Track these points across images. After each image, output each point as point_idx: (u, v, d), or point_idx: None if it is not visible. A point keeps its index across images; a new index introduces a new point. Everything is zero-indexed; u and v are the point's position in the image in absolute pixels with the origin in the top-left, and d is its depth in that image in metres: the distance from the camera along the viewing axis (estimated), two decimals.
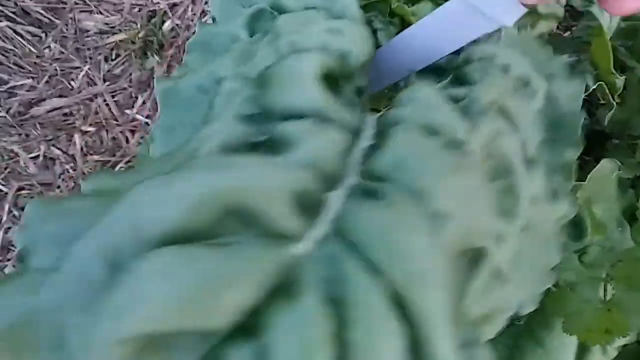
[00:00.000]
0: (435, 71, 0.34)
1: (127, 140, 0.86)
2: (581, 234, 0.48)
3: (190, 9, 0.88)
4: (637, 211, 0.52)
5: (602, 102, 0.62)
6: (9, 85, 0.86)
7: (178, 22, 0.88)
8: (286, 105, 0.22)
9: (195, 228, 0.17)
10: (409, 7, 0.38)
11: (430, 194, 0.20)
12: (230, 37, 0.29)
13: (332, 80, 0.25)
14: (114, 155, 0.85)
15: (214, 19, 0.31)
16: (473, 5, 0.26)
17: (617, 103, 0.49)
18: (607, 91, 0.44)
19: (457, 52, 0.30)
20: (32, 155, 0.85)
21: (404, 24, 0.39)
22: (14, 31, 0.88)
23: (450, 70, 0.32)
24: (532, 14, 0.45)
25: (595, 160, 0.73)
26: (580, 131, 0.33)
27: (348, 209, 0.20)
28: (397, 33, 0.40)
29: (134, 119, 0.86)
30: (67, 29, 0.88)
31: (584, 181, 0.50)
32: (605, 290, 0.43)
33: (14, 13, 0.88)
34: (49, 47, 0.88)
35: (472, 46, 0.31)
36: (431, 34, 0.28)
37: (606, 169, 0.51)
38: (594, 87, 0.45)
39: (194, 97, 0.27)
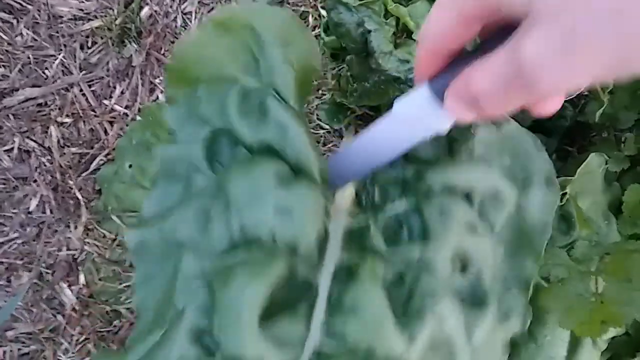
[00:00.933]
0: (397, 180, 0.35)
1: (106, 132, 0.83)
2: (569, 227, 0.49)
3: None
4: (622, 204, 0.52)
5: (587, 93, 0.63)
6: None
7: (156, 8, 0.85)
8: (228, 352, 0.26)
9: None
10: (404, 6, 0.37)
11: None
12: (190, 166, 0.31)
13: (281, 282, 0.28)
14: (92, 148, 0.82)
15: (171, 131, 0.33)
16: (410, 118, 0.29)
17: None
18: (599, 89, 0.45)
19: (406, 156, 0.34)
20: (6, 147, 0.82)
21: (399, 25, 0.38)
22: None
23: (412, 192, 0.34)
24: None
25: (578, 151, 0.74)
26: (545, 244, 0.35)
27: None
28: (393, 34, 0.40)
29: (112, 110, 0.84)
30: (39, 15, 0.85)
31: (567, 171, 0.50)
32: (596, 282, 0.44)
33: None
34: (21, 34, 0.84)
35: (435, 174, 0.35)
36: (377, 142, 0.32)
37: (594, 163, 0.52)
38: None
39: (162, 251, 0.31)
